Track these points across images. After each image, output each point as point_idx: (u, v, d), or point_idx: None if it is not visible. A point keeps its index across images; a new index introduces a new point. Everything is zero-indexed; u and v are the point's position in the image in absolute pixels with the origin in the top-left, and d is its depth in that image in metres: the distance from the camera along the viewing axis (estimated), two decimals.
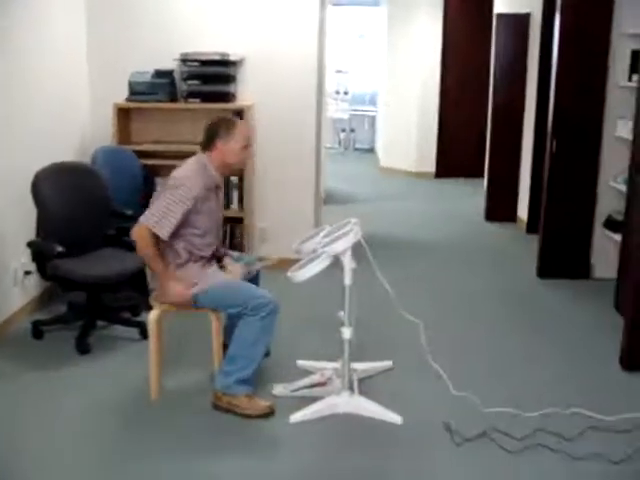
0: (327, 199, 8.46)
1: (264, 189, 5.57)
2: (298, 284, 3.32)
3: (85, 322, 4.18)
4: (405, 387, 3.70)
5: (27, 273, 4.41)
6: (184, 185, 3.34)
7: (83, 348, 4.04)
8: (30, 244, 4.05)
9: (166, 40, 5.32)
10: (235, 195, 5.41)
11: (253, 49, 5.34)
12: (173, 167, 5.25)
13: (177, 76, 5.30)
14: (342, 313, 3.59)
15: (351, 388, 3.51)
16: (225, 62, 5.16)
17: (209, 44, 5.27)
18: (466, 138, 9.42)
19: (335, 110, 11.89)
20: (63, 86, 5.11)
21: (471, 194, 8.01)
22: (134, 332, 4.24)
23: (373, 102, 12.13)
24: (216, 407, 3.42)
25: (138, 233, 3.34)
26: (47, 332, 4.27)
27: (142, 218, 3.34)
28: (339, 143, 12.32)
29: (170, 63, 5.25)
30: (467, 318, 4.73)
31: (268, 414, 3.37)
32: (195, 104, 5.23)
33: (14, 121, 4.40)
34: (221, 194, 3.66)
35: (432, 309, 4.84)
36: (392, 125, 10.15)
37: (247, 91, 5.41)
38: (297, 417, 3.34)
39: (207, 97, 5.21)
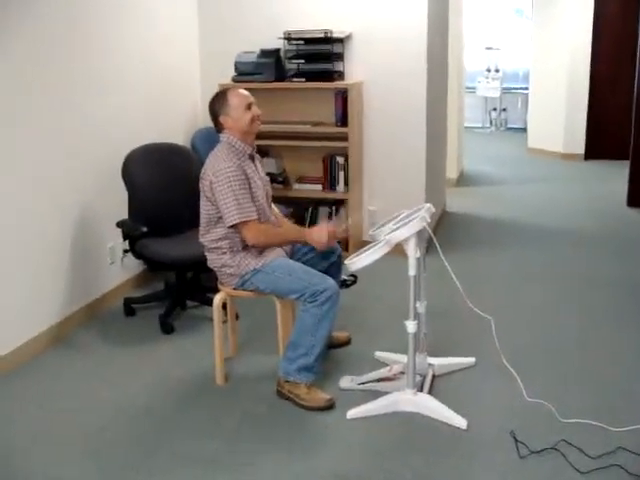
0: (463, 180, 8.13)
1: (373, 170, 5.36)
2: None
3: (170, 302, 4.23)
4: (476, 388, 3.40)
5: (126, 252, 4.51)
6: (227, 169, 3.24)
7: (166, 328, 4.08)
8: (119, 224, 4.14)
9: (274, 20, 5.24)
10: (341, 175, 5.25)
11: (361, 25, 5.14)
12: (283, 147, 5.35)
13: (284, 55, 5.21)
14: (418, 304, 3.39)
15: (419, 385, 3.28)
16: (328, 39, 5.00)
17: (318, 22, 5.13)
18: (620, 117, 8.59)
19: (486, 88, 11.36)
20: (174, 70, 5.20)
21: (620, 178, 7.31)
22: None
23: (527, 80, 11.43)
24: (279, 394, 3.33)
25: (251, 236, 3.26)
26: (140, 310, 4.38)
27: (231, 223, 3.23)
28: (490, 122, 11.76)
29: (277, 42, 5.18)
30: (569, 312, 4.30)
31: (326, 408, 3.22)
32: (300, 83, 5.12)
33: (121, 102, 4.55)
34: (259, 164, 3.54)
35: (530, 301, 4.50)
36: (540, 104, 9.51)
37: (355, 69, 5.21)
38: (354, 413, 3.16)
39: (312, 76, 5.09)
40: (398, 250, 3.11)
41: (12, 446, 3.01)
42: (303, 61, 5.10)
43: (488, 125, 11.74)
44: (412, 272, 3.10)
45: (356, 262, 3.04)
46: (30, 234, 3.84)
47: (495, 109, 11.65)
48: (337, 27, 5.08)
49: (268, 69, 5.10)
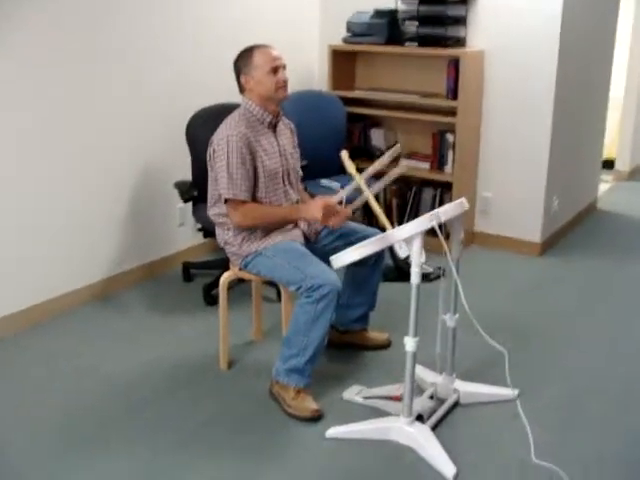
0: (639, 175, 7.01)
1: (491, 152, 4.70)
2: None
3: (221, 272, 3.98)
4: (484, 433, 2.77)
5: None
6: (228, 138, 2.89)
7: (208, 299, 3.87)
8: (176, 184, 3.95)
9: None
10: (450, 155, 4.66)
11: None
12: (394, 119, 4.85)
13: (402, 17, 4.68)
14: (448, 315, 2.86)
15: (429, 413, 2.76)
16: (443, 0, 4.38)
17: None
18: None
19: None
20: (289, 29, 4.91)
21: None
22: (273, 292, 3.92)
23: None
24: (270, 394, 2.97)
25: (237, 218, 2.94)
26: (199, 276, 4.21)
27: (224, 197, 2.93)
28: None
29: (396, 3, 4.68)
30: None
31: (309, 419, 2.81)
32: (411, 49, 4.58)
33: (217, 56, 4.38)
34: (286, 134, 3.13)
35: (620, 336, 3.66)
36: None
37: (479, 36, 4.55)
38: (334, 432, 2.72)
39: (425, 41, 4.51)
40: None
41: None
42: (417, 24, 4.54)
43: None
44: (415, 280, 2.57)
45: (340, 257, 2.57)
46: (94, 188, 3.84)
47: None
48: None
49: (380, 30, 4.62)
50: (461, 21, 4.50)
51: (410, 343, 2.62)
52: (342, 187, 3.70)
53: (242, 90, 3.04)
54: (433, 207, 4.80)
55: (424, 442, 2.61)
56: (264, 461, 2.59)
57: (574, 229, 5.21)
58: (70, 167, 3.69)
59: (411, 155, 4.89)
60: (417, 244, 2.52)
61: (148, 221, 4.18)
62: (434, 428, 2.72)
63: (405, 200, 4.89)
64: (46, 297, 3.69)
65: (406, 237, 2.52)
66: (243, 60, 3.00)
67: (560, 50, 4.31)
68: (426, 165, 4.78)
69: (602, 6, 5.05)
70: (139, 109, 3.99)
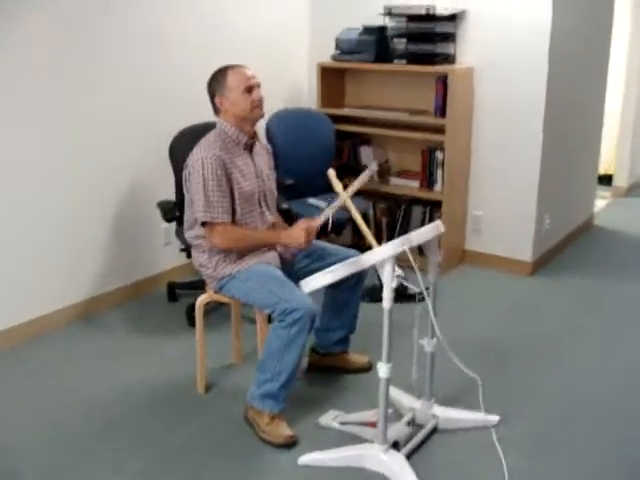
0: (638, 191, 6.91)
1: (482, 170, 4.64)
2: None
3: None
4: (460, 460, 2.70)
5: None
6: (203, 160, 2.86)
7: (192, 320, 3.80)
8: (159, 204, 3.92)
9: None
10: (440, 173, 4.60)
11: (477, 2, 4.42)
12: (383, 137, 4.81)
13: (391, 34, 4.65)
14: (425, 340, 2.82)
15: (406, 439, 2.70)
16: (432, 17, 4.35)
17: None
18: None
19: None
20: (280, 46, 4.90)
21: None
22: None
23: None
24: (245, 419, 2.92)
25: (217, 240, 2.90)
26: (184, 296, 4.16)
27: (201, 220, 2.89)
28: None
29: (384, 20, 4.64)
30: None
31: (282, 446, 2.75)
32: (399, 66, 4.54)
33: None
34: (259, 156, 3.09)
35: (601, 359, 3.56)
36: None
37: (469, 52, 4.51)
38: (306, 459, 2.67)
39: (413, 58, 4.48)
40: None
41: None
42: (405, 41, 4.51)
43: None
44: (386, 305, 2.52)
45: (309, 282, 2.53)
46: (79, 207, 3.83)
47: None
48: (448, 2, 4.42)
49: (368, 48, 4.58)
50: (450, 38, 4.46)
51: (383, 369, 2.57)
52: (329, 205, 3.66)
53: (217, 111, 3.01)
54: (422, 225, 4.74)
55: (398, 471, 2.55)
56: None
57: (568, 247, 5.14)
58: (55, 183, 3.68)
59: (400, 173, 4.85)
60: (388, 268, 2.48)
61: (133, 240, 4.16)
62: (410, 455, 2.67)
63: (394, 219, 4.84)
64: (31, 316, 3.67)
65: (377, 261, 2.47)
66: (217, 81, 2.97)
67: (550, 66, 4.26)
68: (415, 183, 4.74)
69: (595, 21, 5.01)
70: (124, 126, 3.98)
